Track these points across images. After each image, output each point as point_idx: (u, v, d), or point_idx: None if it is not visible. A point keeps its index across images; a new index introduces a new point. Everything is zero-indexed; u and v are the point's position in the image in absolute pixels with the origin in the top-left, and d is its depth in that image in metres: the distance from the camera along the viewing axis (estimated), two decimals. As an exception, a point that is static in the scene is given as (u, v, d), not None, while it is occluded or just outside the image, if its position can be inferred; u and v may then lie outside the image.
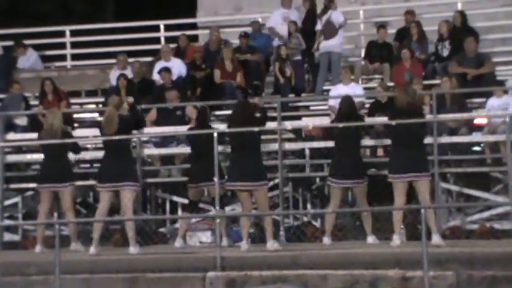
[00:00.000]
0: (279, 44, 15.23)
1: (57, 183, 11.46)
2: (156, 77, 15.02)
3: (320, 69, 15.10)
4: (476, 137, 12.41)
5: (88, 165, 13.56)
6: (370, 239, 11.16)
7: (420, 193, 10.54)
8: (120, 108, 11.20)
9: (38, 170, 12.24)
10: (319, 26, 15.10)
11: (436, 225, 10.51)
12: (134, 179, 11.04)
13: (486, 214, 12.00)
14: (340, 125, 11.38)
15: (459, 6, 15.74)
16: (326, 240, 11.23)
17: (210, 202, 11.77)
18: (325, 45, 15.05)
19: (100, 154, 12.34)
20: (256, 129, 10.85)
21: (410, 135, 10.56)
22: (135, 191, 11.07)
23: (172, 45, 15.95)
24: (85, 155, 12.76)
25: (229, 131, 11.08)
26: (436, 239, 10.37)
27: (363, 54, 15.62)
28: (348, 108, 11.43)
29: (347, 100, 11.56)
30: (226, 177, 11.15)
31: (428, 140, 11.35)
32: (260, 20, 16.10)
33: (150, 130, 13.37)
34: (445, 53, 14.56)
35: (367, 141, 12.63)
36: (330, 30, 15.00)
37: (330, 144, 12.29)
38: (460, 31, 14.66)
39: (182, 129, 12.47)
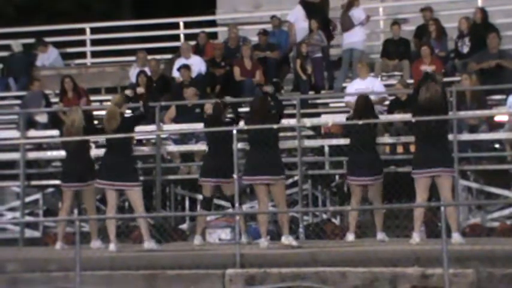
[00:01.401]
0: (299, 41, 15.21)
1: (80, 182, 11.51)
2: (176, 74, 15.05)
3: (342, 65, 15.11)
4: (496, 134, 12.34)
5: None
6: (380, 235, 11.13)
7: (442, 190, 10.47)
8: (122, 107, 11.30)
9: (61, 167, 12.27)
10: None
11: (456, 223, 10.46)
12: (135, 178, 11.08)
13: (507, 212, 11.94)
14: (360, 122, 11.36)
15: (479, 3, 15.65)
16: (350, 236, 11.19)
17: (230, 199, 11.78)
18: (347, 41, 15.05)
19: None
20: (275, 126, 10.85)
21: (432, 132, 10.52)
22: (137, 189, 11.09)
23: (192, 43, 15.98)
24: (100, 153, 12.78)
25: (248, 128, 11.08)
26: (456, 237, 10.32)
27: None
28: (362, 107, 11.40)
29: (361, 99, 11.53)
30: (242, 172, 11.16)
31: (448, 137, 11.29)
32: (279, 16, 16.10)
33: (169, 127, 13.41)
34: (465, 49, 14.48)
35: (386, 139, 12.61)
36: (347, 24, 15.04)
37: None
38: (481, 28, 14.57)
39: (201, 127, 12.49)
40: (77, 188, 11.56)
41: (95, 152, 12.14)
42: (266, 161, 10.73)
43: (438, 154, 10.46)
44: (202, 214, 11.71)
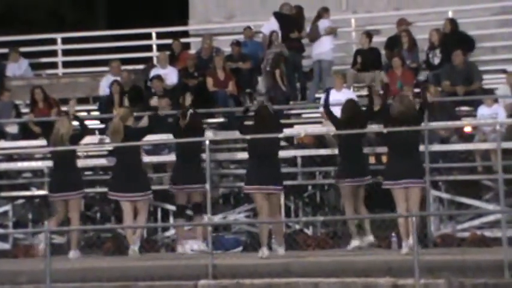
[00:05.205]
0: (268, 51, 15.23)
1: (67, 191, 11.50)
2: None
3: (314, 77, 15.17)
4: (467, 145, 12.44)
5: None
6: (370, 237, 11.21)
7: (411, 200, 10.58)
8: (127, 120, 11.37)
9: (50, 178, 12.24)
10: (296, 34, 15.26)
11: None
12: (147, 188, 11.34)
13: (477, 222, 12.02)
14: (332, 133, 11.44)
15: (450, 15, 15.78)
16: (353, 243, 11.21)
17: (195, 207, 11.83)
18: (315, 52, 15.14)
19: (92, 162, 12.41)
20: (247, 137, 10.84)
21: (404, 143, 10.62)
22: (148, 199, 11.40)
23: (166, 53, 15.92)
24: (81, 163, 12.72)
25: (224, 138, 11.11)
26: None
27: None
28: (350, 112, 11.44)
29: (349, 104, 11.56)
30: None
31: (420, 148, 11.37)
32: (253, 27, 16.12)
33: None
34: (436, 61, 14.60)
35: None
36: (313, 35, 15.14)
37: (322, 152, 12.32)
38: (451, 38, 14.70)
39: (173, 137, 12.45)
40: (65, 197, 11.52)
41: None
42: (267, 171, 10.81)
43: (409, 166, 10.56)
44: (175, 225, 11.70)
